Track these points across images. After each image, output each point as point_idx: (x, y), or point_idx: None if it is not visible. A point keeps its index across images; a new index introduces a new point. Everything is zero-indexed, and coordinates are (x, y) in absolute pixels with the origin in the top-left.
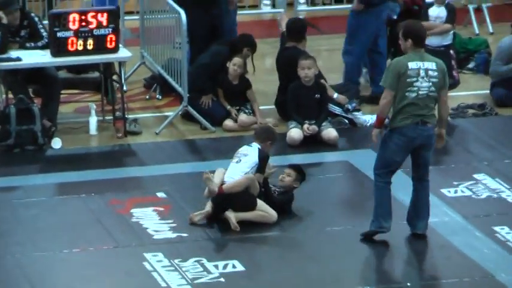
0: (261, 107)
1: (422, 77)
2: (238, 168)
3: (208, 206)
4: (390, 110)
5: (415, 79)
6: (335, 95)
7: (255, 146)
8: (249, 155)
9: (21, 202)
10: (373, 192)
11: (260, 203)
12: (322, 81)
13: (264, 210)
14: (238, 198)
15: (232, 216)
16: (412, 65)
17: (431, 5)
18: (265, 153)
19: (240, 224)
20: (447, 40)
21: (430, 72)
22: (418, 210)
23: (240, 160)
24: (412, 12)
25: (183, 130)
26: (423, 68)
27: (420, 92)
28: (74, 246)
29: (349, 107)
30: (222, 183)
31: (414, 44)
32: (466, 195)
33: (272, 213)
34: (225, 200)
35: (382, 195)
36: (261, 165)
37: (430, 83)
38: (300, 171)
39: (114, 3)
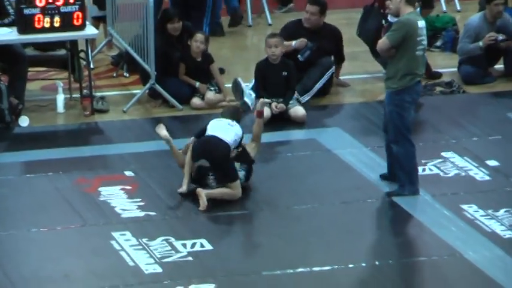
0: (227, 85)
1: (425, 35)
2: (230, 133)
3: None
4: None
5: (422, 38)
6: (293, 43)
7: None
8: (235, 125)
9: None
10: (401, 159)
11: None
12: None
13: (236, 186)
14: (223, 170)
15: (203, 194)
16: (420, 23)
17: None
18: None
19: (208, 202)
20: None
21: (425, 31)
22: None
23: (232, 126)
24: None
25: (151, 108)
26: (424, 27)
27: (424, 49)
28: (41, 226)
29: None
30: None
31: (407, 1)
32: (434, 173)
33: (239, 191)
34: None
35: (414, 158)
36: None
37: (426, 41)
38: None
39: None
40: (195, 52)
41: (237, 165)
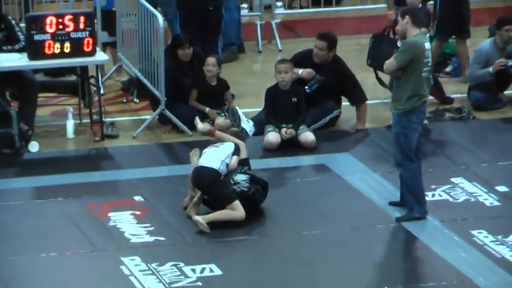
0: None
1: (430, 56)
2: (217, 154)
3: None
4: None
5: (429, 59)
6: (300, 71)
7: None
8: (222, 144)
9: None
10: (407, 181)
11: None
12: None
13: (235, 207)
14: (213, 196)
15: (200, 219)
16: (427, 45)
17: None
18: (237, 146)
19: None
20: None
21: (430, 53)
22: None
23: (219, 146)
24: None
25: (160, 134)
26: (430, 49)
27: (429, 71)
28: (51, 250)
29: (308, 90)
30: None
31: (412, 21)
32: (443, 199)
33: (241, 211)
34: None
35: (419, 179)
36: (236, 152)
37: (431, 63)
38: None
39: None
40: (208, 76)
41: (241, 176)
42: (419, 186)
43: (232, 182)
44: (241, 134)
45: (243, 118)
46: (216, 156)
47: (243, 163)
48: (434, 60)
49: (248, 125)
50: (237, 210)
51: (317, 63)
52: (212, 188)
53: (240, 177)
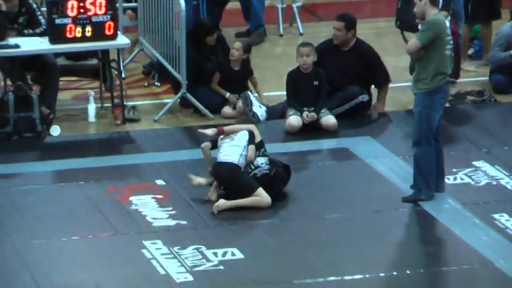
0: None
1: (450, 35)
2: (233, 147)
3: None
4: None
5: (450, 37)
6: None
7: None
8: (236, 137)
9: (19, 189)
10: (421, 162)
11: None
12: None
13: (260, 195)
14: (235, 189)
15: (222, 204)
16: (447, 23)
17: None
18: (252, 131)
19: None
20: None
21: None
22: (441, 168)
23: (233, 138)
24: None
25: (182, 117)
26: (448, 27)
27: (451, 49)
28: (72, 234)
29: None
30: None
31: (430, 2)
32: (465, 182)
33: (266, 198)
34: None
35: (433, 162)
36: (251, 140)
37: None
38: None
39: None
40: (232, 60)
41: (260, 159)
42: (432, 169)
43: (253, 166)
44: (254, 119)
45: (255, 103)
46: (233, 150)
47: (259, 146)
48: (465, 44)
49: (260, 110)
50: (262, 197)
51: (338, 47)
52: (233, 181)
53: (260, 160)
